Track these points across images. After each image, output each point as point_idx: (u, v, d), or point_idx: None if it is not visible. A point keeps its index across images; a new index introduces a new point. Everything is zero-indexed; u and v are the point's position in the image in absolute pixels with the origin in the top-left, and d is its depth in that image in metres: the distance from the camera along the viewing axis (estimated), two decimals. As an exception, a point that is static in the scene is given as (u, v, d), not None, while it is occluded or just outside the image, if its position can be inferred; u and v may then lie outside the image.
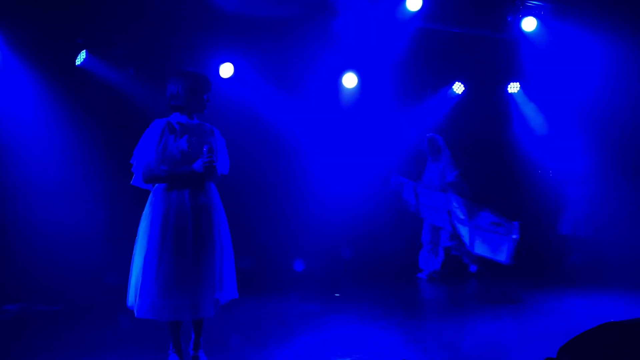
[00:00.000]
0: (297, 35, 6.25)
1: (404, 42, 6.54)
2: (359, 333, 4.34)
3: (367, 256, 6.62)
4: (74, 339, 4.08)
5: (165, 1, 5.44)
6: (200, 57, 6.14)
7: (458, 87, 7.75)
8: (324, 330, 4.46)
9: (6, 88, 5.55)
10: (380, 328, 4.49)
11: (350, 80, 7.16)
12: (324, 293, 5.79)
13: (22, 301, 5.07)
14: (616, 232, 6.34)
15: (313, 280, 6.41)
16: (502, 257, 5.89)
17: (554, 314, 4.99)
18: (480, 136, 7.75)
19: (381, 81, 7.07)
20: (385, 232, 7.11)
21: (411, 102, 7.66)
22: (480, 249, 6.07)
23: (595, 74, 6.51)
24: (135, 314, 3.21)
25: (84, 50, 5.81)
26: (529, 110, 7.77)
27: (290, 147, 6.97)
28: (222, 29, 6.04)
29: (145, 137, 3.32)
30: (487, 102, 7.78)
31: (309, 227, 6.65)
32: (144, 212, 3.33)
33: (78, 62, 5.83)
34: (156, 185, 3.33)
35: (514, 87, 7.76)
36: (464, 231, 6.17)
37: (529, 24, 6.35)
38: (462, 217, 6.19)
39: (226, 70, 6.44)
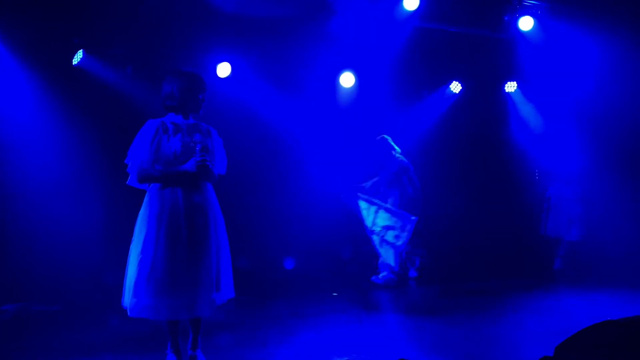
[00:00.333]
0: (294, 35, 6.25)
1: (401, 42, 6.54)
2: (358, 332, 4.34)
3: (365, 255, 6.61)
4: (72, 339, 4.08)
5: (162, 1, 5.44)
6: (198, 57, 6.14)
7: (455, 87, 7.76)
8: (323, 329, 4.46)
9: (3, 87, 5.54)
10: (379, 327, 4.50)
11: (347, 79, 7.16)
12: (323, 292, 5.80)
13: (21, 301, 5.06)
14: (611, 231, 6.35)
15: (311, 279, 6.41)
16: (392, 263, 5.88)
17: (551, 313, 5.01)
18: (478, 135, 7.77)
19: (379, 80, 7.08)
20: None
21: (408, 101, 7.68)
22: (385, 256, 5.96)
23: (592, 73, 6.53)
24: (129, 313, 3.22)
25: (81, 50, 5.80)
26: (526, 110, 7.79)
27: (287, 146, 6.98)
28: (219, 29, 6.03)
29: (138, 137, 3.33)
30: (484, 102, 7.79)
31: (307, 227, 6.65)
32: (140, 212, 3.34)
33: (75, 61, 5.83)
34: (151, 185, 3.34)
35: (511, 87, 7.78)
36: (374, 239, 6.00)
37: (526, 23, 6.37)
38: (368, 225, 6.04)
39: (224, 69, 6.44)
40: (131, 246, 3.31)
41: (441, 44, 6.85)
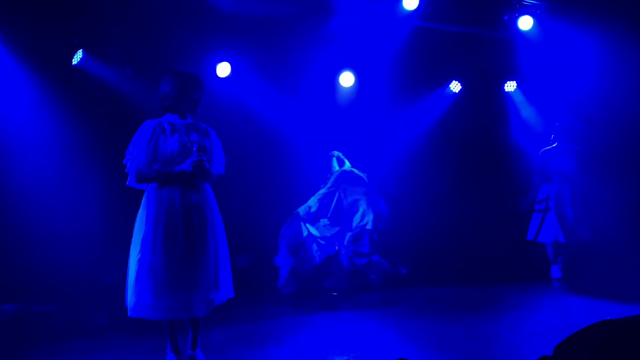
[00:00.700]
0: (294, 34, 6.25)
1: (400, 41, 6.54)
2: (356, 332, 4.34)
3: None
4: (72, 339, 4.08)
5: (162, 0, 5.44)
6: (198, 57, 6.14)
7: (455, 86, 7.77)
8: (321, 329, 4.47)
9: (2, 87, 5.54)
10: (378, 327, 4.50)
11: (347, 79, 7.16)
12: (322, 292, 5.79)
13: (21, 301, 5.06)
14: (610, 231, 6.34)
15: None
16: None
17: (550, 312, 5.01)
18: (477, 135, 7.77)
19: (378, 80, 7.08)
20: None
21: (408, 100, 7.68)
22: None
23: (591, 72, 6.54)
24: (129, 312, 3.23)
25: (81, 50, 5.80)
26: (526, 109, 7.79)
27: (287, 146, 6.97)
28: (219, 28, 6.03)
29: (135, 137, 3.34)
30: (484, 101, 7.79)
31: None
32: (138, 212, 3.35)
33: (75, 61, 5.82)
34: (149, 185, 3.34)
35: (510, 86, 7.78)
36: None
37: (525, 22, 6.37)
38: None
39: (223, 69, 6.45)
40: (131, 246, 3.32)
41: (441, 43, 6.85)
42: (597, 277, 5.84)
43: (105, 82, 5.99)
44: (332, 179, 6.10)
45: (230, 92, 6.57)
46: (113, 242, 4.63)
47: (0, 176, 5.51)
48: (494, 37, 6.80)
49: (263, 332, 4.29)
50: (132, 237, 3.33)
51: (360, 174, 6.16)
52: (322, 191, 6.05)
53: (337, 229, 5.88)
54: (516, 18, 6.37)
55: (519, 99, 7.79)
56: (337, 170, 6.15)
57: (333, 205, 5.96)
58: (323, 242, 5.78)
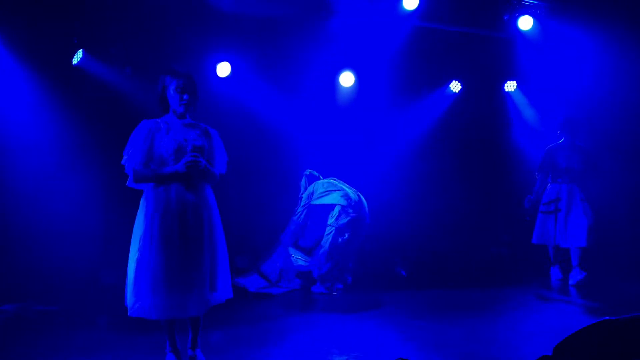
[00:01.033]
0: (294, 34, 6.25)
1: (400, 41, 6.55)
2: (356, 331, 4.35)
3: (364, 254, 6.61)
4: (72, 339, 4.08)
5: (162, 0, 5.44)
6: (198, 56, 6.15)
7: (455, 86, 7.77)
8: (321, 329, 4.47)
9: (2, 87, 5.54)
10: (377, 326, 4.50)
11: (347, 79, 7.16)
12: (322, 292, 5.79)
13: (20, 301, 5.06)
14: (610, 231, 6.30)
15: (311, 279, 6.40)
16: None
17: (550, 312, 5.01)
18: (477, 135, 7.77)
19: (378, 80, 7.08)
20: (383, 231, 7.12)
21: (408, 100, 7.67)
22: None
23: (591, 72, 6.53)
24: (128, 312, 3.24)
25: (81, 50, 5.80)
26: (526, 109, 7.79)
27: (287, 145, 6.97)
28: (219, 28, 6.04)
29: (131, 138, 3.35)
30: (484, 101, 7.79)
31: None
32: (137, 212, 3.36)
33: (75, 61, 5.82)
34: (147, 185, 3.35)
35: (510, 86, 7.78)
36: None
37: (525, 22, 6.37)
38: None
39: (223, 69, 6.45)
40: (130, 246, 3.33)
41: (441, 43, 6.86)
42: (597, 277, 5.84)
43: (105, 82, 5.98)
44: (301, 204, 6.10)
45: (230, 92, 6.57)
46: (113, 242, 4.64)
47: (0, 176, 5.51)
48: (494, 37, 6.80)
49: (263, 332, 4.28)
50: (131, 236, 3.34)
51: (336, 182, 6.05)
52: (293, 218, 6.08)
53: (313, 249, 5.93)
54: (516, 18, 6.37)
55: (519, 98, 7.79)
56: (305, 195, 6.11)
57: (303, 227, 6.00)
58: (305, 264, 5.88)
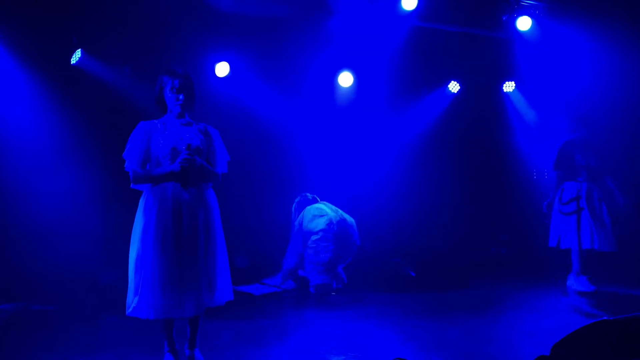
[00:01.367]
0: (293, 34, 6.25)
1: (399, 41, 6.55)
2: (356, 332, 4.35)
3: (363, 254, 6.62)
4: (71, 339, 4.08)
5: (161, 0, 5.44)
6: (197, 56, 6.15)
7: (454, 86, 7.77)
8: (321, 329, 4.47)
9: (0, 87, 5.53)
10: (376, 326, 4.50)
11: (345, 79, 7.17)
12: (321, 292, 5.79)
13: (19, 301, 5.06)
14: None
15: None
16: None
17: (548, 312, 5.01)
18: (476, 135, 7.78)
19: (377, 80, 7.09)
20: (383, 231, 7.13)
21: (407, 101, 7.68)
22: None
23: (590, 73, 6.54)
24: (127, 312, 3.25)
25: (79, 49, 5.80)
26: (524, 109, 7.79)
27: (286, 145, 6.97)
28: (218, 28, 6.03)
29: (129, 139, 3.37)
30: (482, 101, 7.80)
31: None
32: (136, 211, 3.37)
33: (73, 61, 5.82)
34: (145, 185, 3.36)
35: (509, 86, 7.79)
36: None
37: (523, 23, 6.37)
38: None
39: (222, 69, 6.45)
40: (130, 246, 3.34)
41: (439, 43, 6.86)
42: (596, 277, 5.83)
43: (104, 81, 5.99)
44: (294, 230, 6.03)
45: (229, 91, 6.57)
46: (112, 242, 4.64)
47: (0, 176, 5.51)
48: (492, 38, 6.80)
49: (263, 332, 4.28)
50: (130, 236, 3.34)
51: (324, 207, 5.97)
52: (289, 245, 6.03)
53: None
54: (515, 18, 6.37)
55: (518, 99, 7.80)
56: (297, 222, 6.00)
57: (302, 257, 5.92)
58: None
